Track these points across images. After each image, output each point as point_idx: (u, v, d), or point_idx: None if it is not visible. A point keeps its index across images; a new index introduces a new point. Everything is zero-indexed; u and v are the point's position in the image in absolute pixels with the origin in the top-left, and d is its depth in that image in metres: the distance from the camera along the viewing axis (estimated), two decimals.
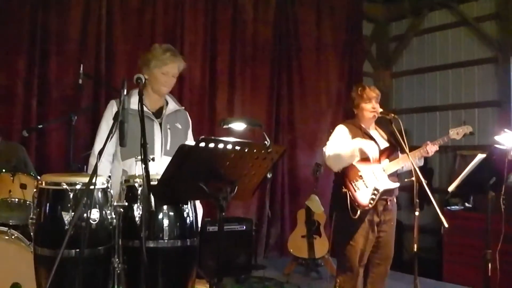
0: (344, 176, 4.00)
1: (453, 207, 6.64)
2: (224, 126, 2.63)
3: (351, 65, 8.10)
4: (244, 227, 6.04)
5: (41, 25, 5.83)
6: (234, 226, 5.97)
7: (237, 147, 2.48)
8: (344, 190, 3.96)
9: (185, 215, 2.94)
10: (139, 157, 2.51)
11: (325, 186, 7.18)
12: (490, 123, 7.33)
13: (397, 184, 4.05)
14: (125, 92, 2.57)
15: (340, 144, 4.01)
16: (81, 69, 4.71)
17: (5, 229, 4.08)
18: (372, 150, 3.88)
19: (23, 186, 4.25)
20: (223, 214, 2.55)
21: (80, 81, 4.79)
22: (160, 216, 2.88)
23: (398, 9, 8.61)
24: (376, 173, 3.99)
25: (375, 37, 8.93)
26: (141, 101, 2.70)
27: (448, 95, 8.07)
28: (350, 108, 4.26)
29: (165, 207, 2.88)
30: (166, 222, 2.86)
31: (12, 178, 4.30)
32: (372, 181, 3.96)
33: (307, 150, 7.48)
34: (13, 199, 4.27)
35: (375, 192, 3.93)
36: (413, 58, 8.61)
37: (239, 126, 2.68)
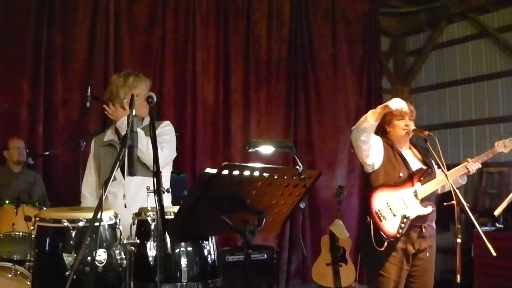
0: (368, 204, 3.71)
1: (483, 228, 6.31)
2: (250, 150, 2.28)
3: (369, 80, 7.80)
4: (266, 255, 5.70)
5: (46, 44, 5.63)
6: (255, 255, 5.61)
7: (265, 174, 2.15)
8: (368, 220, 3.67)
9: (206, 253, 2.60)
10: (152, 188, 2.18)
11: (348, 210, 6.93)
12: None
13: (431, 209, 3.73)
14: (133, 112, 2.26)
15: None
16: (89, 91, 4.49)
17: (9, 265, 3.89)
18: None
19: (27, 219, 3.99)
20: (249, 250, 2.20)
21: (88, 104, 4.56)
22: (177, 254, 2.54)
23: (415, 22, 8.42)
24: (406, 198, 3.70)
25: (391, 52, 8.75)
26: (152, 123, 2.40)
27: (471, 110, 7.82)
28: (381, 125, 3.91)
29: (182, 243, 2.54)
30: (184, 262, 2.51)
31: (15, 210, 4.09)
32: (401, 208, 3.67)
33: (327, 170, 7.16)
34: (17, 233, 4.05)
35: (404, 220, 3.64)
36: (432, 73, 8.40)
37: (266, 149, 2.33)
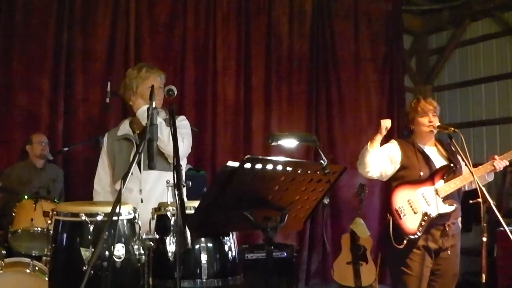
0: (389, 202, 3.70)
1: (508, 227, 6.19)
2: (273, 143, 2.23)
3: (392, 79, 7.68)
4: (285, 254, 5.63)
5: (67, 43, 5.65)
6: (275, 253, 5.53)
7: (288, 168, 2.08)
8: (388, 217, 3.65)
9: (227, 249, 2.53)
10: (171, 182, 2.12)
11: (370, 209, 6.85)
12: None
13: (453, 208, 3.67)
14: (153, 104, 2.21)
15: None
16: (108, 87, 4.45)
17: (27, 260, 3.87)
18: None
19: (46, 214, 3.93)
20: (271, 247, 2.14)
21: (108, 100, 4.53)
22: (197, 250, 2.49)
23: (437, 20, 8.28)
24: (428, 196, 3.66)
25: (414, 50, 8.62)
26: (172, 116, 2.37)
27: (495, 109, 7.68)
28: (406, 125, 3.95)
29: (203, 239, 2.48)
30: (204, 258, 2.44)
31: (34, 205, 4.05)
32: (422, 205, 3.64)
33: (349, 169, 6.97)
34: (35, 228, 4.01)
35: (426, 218, 3.60)
36: (455, 71, 8.27)
37: (290, 142, 2.27)
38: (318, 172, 2.20)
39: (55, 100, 5.57)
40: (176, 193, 2.08)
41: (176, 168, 2.14)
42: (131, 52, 5.91)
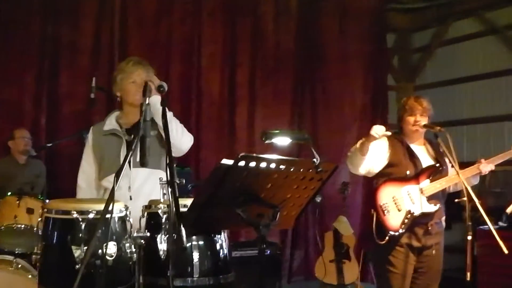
0: (374, 198, 3.72)
1: (486, 226, 6.25)
2: (266, 141, 2.22)
3: (376, 77, 7.72)
4: (269, 251, 5.63)
5: (51, 37, 5.59)
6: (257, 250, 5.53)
7: (282, 166, 2.08)
8: (372, 212, 3.67)
9: (218, 247, 2.51)
10: (164, 180, 2.11)
11: (352, 206, 6.87)
12: None
13: (437, 207, 3.70)
14: (147, 101, 2.19)
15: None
16: (94, 82, 4.44)
17: (10, 258, 3.84)
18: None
19: (30, 211, 3.94)
20: (264, 245, 2.14)
21: (92, 95, 4.51)
22: (189, 248, 2.46)
23: (421, 18, 8.31)
24: (413, 194, 3.68)
25: (397, 48, 8.61)
26: (164, 112, 2.34)
27: (476, 108, 7.74)
28: (397, 121, 3.96)
29: (194, 237, 2.46)
30: (196, 256, 2.42)
31: (18, 202, 3.99)
32: (406, 203, 3.66)
33: None
34: (19, 225, 3.97)
35: (409, 215, 3.62)
36: (438, 70, 8.28)
37: (283, 140, 2.27)
38: (310, 170, 2.20)
39: (39, 94, 5.52)
40: (170, 190, 2.06)
41: (169, 166, 2.12)
42: (116, 46, 5.87)
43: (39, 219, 2.46)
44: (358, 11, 7.60)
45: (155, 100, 2.67)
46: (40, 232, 3.67)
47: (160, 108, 2.46)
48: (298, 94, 7.13)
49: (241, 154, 1.94)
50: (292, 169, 2.15)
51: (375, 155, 3.76)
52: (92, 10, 5.79)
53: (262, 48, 6.85)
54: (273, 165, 2.06)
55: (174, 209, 1.99)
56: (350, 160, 3.76)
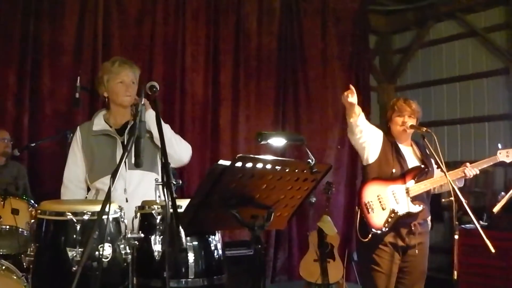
0: (359, 195, 3.78)
1: (467, 225, 6.34)
2: (262, 142, 2.22)
3: (358, 78, 7.75)
4: (253, 251, 5.59)
5: (33, 36, 5.47)
6: (243, 250, 5.53)
7: (277, 167, 2.09)
8: (356, 210, 3.77)
9: (213, 248, 2.51)
10: (160, 181, 2.10)
11: (335, 206, 6.91)
12: (501, 137, 7.08)
13: (421, 208, 3.76)
14: (142, 101, 2.18)
15: None
16: (78, 82, 4.39)
17: None
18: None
19: (14, 212, 3.86)
20: (259, 246, 2.14)
21: (77, 95, 4.48)
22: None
23: (402, 20, 8.39)
24: (398, 194, 3.74)
25: (378, 50, 8.70)
26: (157, 113, 2.33)
27: (456, 109, 7.82)
28: (386, 121, 4.02)
29: (188, 238, 2.44)
30: (191, 257, 2.41)
31: (2, 202, 3.91)
32: (391, 202, 3.71)
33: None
34: (3, 226, 3.89)
35: (392, 215, 3.67)
36: (418, 71, 8.38)
37: (278, 141, 2.28)
38: (305, 171, 2.21)
39: (21, 94, 5.40)
40: (167, 191, 2.05)
41: (165, 166, 2.11)
42: (99, 45, 5.79)
43: (32, 220, 2.42)
44: (340, 13, 7.64)
45: (151, 115, 2.65)
46: (25, 233, 3.67)
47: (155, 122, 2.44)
48: (280, 94, 7.13)
49: (238, 155, 1.94)
50: (287, 170, 2.16)
51: (374, 143, 3.80)
52: (75, 9, 5.70)
53: (245, 48, 6.83)
54: (269, 166, 2.07)
55: (171, 210, 1.98)
56: (349, 129, 3.77)
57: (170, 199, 2.03)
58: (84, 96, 5.29)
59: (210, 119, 6.55)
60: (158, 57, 6.16)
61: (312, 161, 2.13)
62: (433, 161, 3.84)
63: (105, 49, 5.83)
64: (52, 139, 5.17)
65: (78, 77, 4.44)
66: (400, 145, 3.89)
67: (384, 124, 4.07)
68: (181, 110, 6.27)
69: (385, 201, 3.69)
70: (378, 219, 3.66)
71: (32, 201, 4.04)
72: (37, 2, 5.51)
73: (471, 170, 3.86)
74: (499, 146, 4.03)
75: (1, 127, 5.19)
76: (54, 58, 5.59)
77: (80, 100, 4.51)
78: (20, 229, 3.81)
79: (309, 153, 2.14)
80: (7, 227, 3.88)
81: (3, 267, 3.65)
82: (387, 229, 3.66)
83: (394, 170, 3.76)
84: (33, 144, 4.97)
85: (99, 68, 5.62)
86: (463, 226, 6.23)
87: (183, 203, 2.19)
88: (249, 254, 5.60)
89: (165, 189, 2.08)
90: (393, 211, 3.66)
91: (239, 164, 1.98)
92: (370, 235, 3.64)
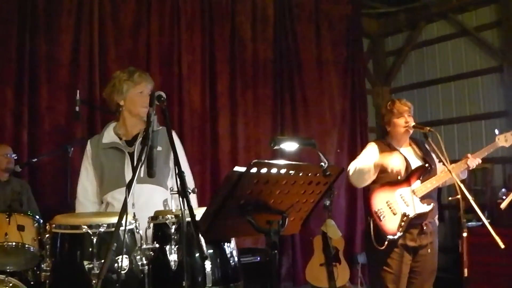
0: (368, 205, 3.79)
1: (468, 223, 6.35)
2: (275, 147, 2.23)
3: (353, 82, 7.77)
4: (259, 258, 5.59)
5: (29, 50, 5.44)
6: (248, 257, 5.50)
7: (291, 172, 2.08)
8: (368, 219, 3.74)
9: (229, 255, 2.49)
10: (175, 189, 2.09)
11: (336, 210, 6.90)
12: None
13: (430, 207, 3.76)
14: (154, 111, 2.18)
15: (363, 159, 3.81)
16: (78, 95, 4.38)
17: (2, 277, 3.69)
18: (394, 163, 3.60)
19: (20, 228, 3.80)
20: (275, 251, 2.14)
21: (77, 109, 4.46)
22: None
23: (393, 23, 8.44)
24: (406, 197, 3.74)
25: (371, 53, 8.74)
26: (168, 123, 2.32)
27: (452, 109, 7.85)
28: (382, 126, 4.00)
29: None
30: (208, 265, 2.38)
31: (8, 219, 3.85)
32: (401, 206, 3.71)
33: None
34: (9, 243, 3.80)
35: (404, 218, 3.67)
36: (412, 73, 8.42)
37: (291, 146, 2.28)
38: (318, 175, 2.21)
39: (19, 110, 5.36)
40: (182, 200, 2.04)
41: (180, 175, 2.10)
42: (95, 58, 5.76)
43: (47, 235, 2.39)
44: (333, 17, 7.66)
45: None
46: (32, 249, 3.63)
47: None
48: (277, 101, 7.13)
49: (253, 161, 1.94)
50: (300, 174, 2.16)
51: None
52: (70, 23, 5.67)
53: (240, 56, 6.82)
54: (283, 171, 2.07)
55: (189, 218, 1.97)
56: (357, 178, 3.82)
57: (188, 207, 2.02)
58: (83, 110, 5.28)
59: (209, 128, 6.52)
60: (155, 68, 6.13)
61: (324, 164, 2.13)
62: (434, 155, 3.85)
63: (102, 61, 5.80)
64: (53, 154, 5.13)
65: (78, 91, 4.42)
66: (400, 148, 3.91)
67: (380, 128, 4.05)
68: (179, 120, 6.23)
69: (395, 206, 3.69)
70: (391, 224, 3.66)
71: (37, 217, 4.00)
72: (32, 18, 5.47)
73: (474, 161, 3.86)
74: (496, 132, 4.02)
75: (1, 143, 5.17)
76: (51, 73, 5.55)
77: (80, 113, 4.49)
78: (26, 246, 3.76)
79: (322, 156, 2.14)
80: (13, 244, 3.83)
81: (11, 284, 3.64)
82: (401, 233, 3.66)
83: (399, 177, 3.75)
84: (34, 160, 4.92)
85: (96, 81, 5.70)
86: (467, 224, 6.26)
87: (199, 212, 2.18)
88: (255, 261, 5.58)
89: (180, 198, 2.06)
90: (404, 215, 3.66)
91: (254, 170, 1.98)
92: (386, 242, 3.63)
